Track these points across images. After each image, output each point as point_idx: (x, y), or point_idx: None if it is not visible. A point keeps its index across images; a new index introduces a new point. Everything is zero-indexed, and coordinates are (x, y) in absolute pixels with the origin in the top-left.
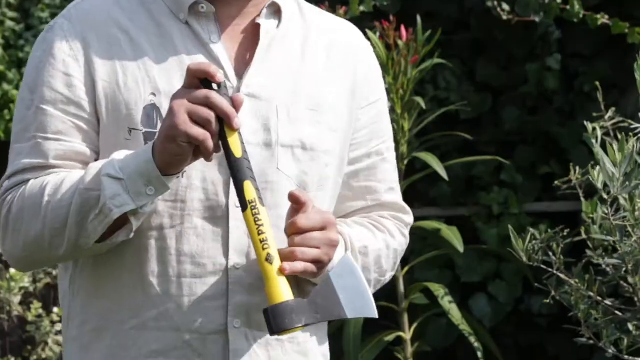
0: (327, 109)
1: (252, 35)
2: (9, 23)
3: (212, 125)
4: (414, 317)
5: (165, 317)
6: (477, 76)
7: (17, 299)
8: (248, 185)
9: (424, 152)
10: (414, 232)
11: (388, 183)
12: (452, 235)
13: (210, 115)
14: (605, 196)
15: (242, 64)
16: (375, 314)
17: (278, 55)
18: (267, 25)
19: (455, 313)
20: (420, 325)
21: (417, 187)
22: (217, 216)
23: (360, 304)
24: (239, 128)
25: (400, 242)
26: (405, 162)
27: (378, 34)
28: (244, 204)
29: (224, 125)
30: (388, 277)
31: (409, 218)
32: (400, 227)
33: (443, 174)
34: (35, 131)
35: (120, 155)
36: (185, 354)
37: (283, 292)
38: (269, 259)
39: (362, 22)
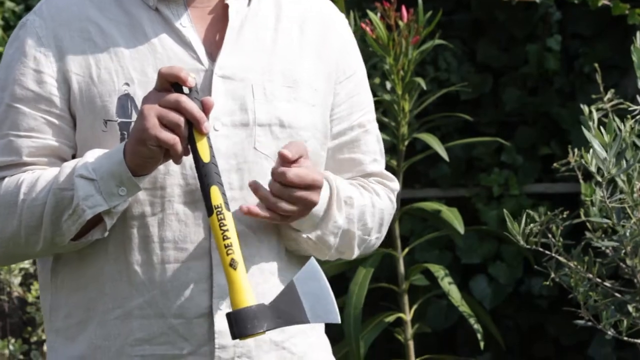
0: (303, 85)
1: (223, 16)
2: (9, 4)
3: (182, 130)
4: (414, 299)
5: (151, 305)
6: (477, 57)
7: (17, 280)
8: (215, 191)
9: (424, 133)
10: (414, 213)
11: (372, 154)
12: (453, 217)
13: (180, 119)
14: (599, 179)
15: (214, 45)
16: (338, 319)
17: (250, 33)
18: (236, 5)
19: (455, 294)
20: (420, 307)
21: (417, 168)
22: (197, 200)
23: (324, 310)
24: (207, 132)
25: (387, 204)
26: (406, 143)
27: (379, 14)
28: (210, 209)
29: (193, 130)
30: (374, 238)
31: (395, 185)
32: (387, 192)
33: (444, 154)
34: (7, 129)
35: (93, 155)
36: (170, 339)
37: (246, 297)
38: (232, 264)
39: (363, 3)
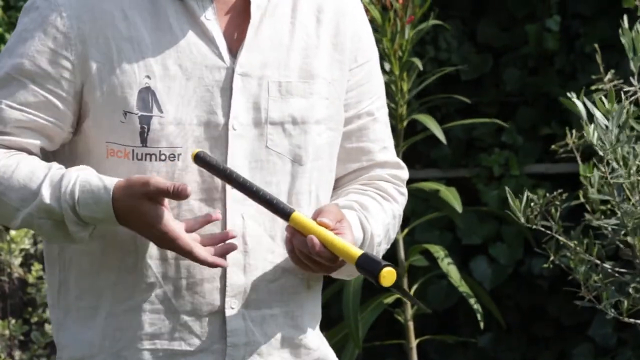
0: (319, 79)
1: (243, 9)
2: None
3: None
4: (414, 279)
5: (162, 300)
6: (477, 37)
7: (17, 260)
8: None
9: (422, 113)
10: (415, 193)
11: (381, 142)
12: (451, 196)
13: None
14: (601, 153)
15: (234, 41)
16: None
17: (269, 29)
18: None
19: (455, 275)
20: (420, 287)
21: (418, 149)
22: (214, 198)
23: None
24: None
25: (402, 203)
26: (405, 123)
27: None
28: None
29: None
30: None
31: (405, 174)
32: (398, 187)
33: (441, 136)
34: (2, 97)
35: (85, 197)
36: (182, 335)
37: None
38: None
39: None
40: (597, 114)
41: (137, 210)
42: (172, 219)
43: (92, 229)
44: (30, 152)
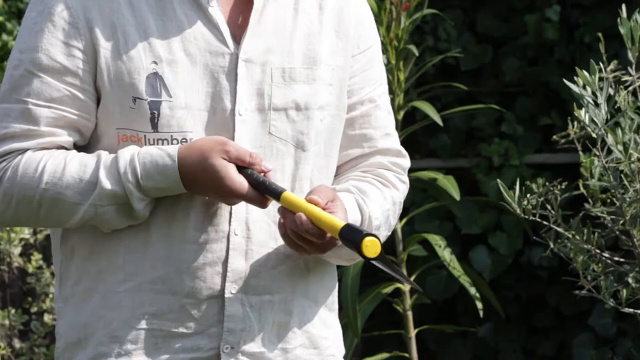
0: (322, 65)
1: None
2: None
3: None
4: (413, 269)
5: (164, 281)
6: (477, 27)
7: (17, 250)
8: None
9: (419, 101)
10: (414, 183)
11: (383, 129)
12: (449, 184)
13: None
14: (594, 135)
15: (238, 27)
16: None
17: (272, 14)
18: None
19: (454, 264)
20: (419, 277)
21: (417, 139)
22: None
23: None
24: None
25: (403, 191)
26: (402, 112)
27: None
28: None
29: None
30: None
31: (406, 162)
32: (399, 175)
33: (438, 120)
34: (26, 96)
35: (143, 164)
36: (179, 317)
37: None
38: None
39: None
40: (585, 93)
41: (210, 166)
42: (237, 172)
43: (153, 204)
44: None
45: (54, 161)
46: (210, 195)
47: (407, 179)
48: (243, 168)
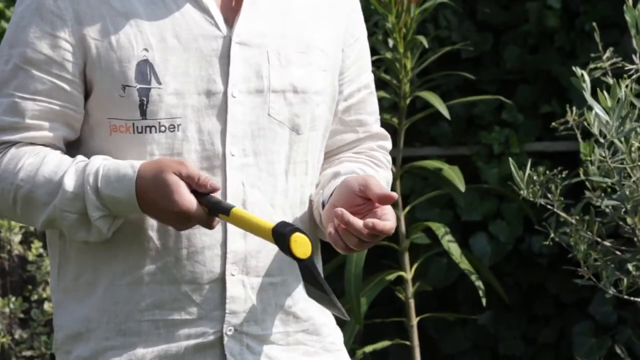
0: (315, 50)
1: None
2: None
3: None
4: (415, 257)
5: (163, 271)
6: (478, 15)
7: (17, 238)
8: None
9: (425, 91)
10: (415, 171)
11: (375, 114)
12: (454, 175)
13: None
14: (601, 140)
15: (231, 11)
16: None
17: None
18: None
19: (455, 252)
20: (421, 265)
21: (418, 127)
22: (214, 165)
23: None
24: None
25: (390, 172)
26: (407, 101)
27: None
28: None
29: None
30: None
31: (390, 144)
32: (387, 156)
33: (445, 112)
34: (13, 89)
35: (105, 183)
36: (182, 304)
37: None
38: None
39: None
40: (597, 108)
41: (163, 180)
42: (188, 191)
43: (111, 222)
44: (55, 147)
45: (33, 159)
46: (159, 214)
47: (390, 159)
48: (201, 195)
